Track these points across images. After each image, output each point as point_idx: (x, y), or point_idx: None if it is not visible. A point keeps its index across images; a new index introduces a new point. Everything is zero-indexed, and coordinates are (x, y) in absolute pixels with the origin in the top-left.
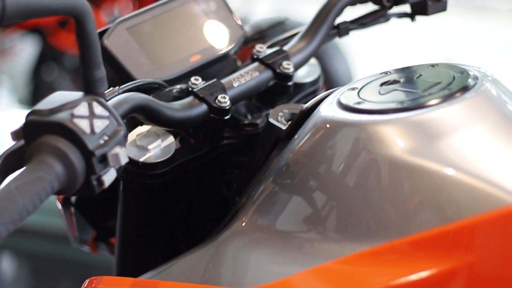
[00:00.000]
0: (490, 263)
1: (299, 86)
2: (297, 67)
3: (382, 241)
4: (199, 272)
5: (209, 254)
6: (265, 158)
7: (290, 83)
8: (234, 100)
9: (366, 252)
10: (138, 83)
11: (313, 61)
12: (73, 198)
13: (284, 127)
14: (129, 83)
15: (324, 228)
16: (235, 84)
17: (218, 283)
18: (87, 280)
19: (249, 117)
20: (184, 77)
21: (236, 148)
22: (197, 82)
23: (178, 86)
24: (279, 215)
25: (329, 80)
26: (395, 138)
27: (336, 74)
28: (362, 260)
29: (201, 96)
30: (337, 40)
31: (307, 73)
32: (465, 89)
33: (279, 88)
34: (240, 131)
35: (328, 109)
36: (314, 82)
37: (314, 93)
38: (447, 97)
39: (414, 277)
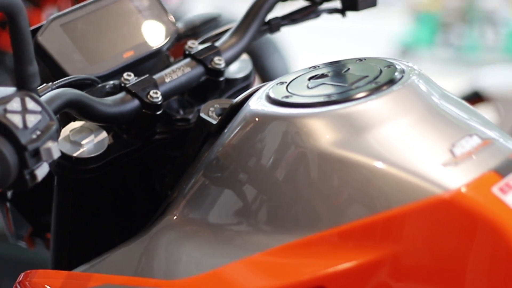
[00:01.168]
0: (416, 252)
1: (231, 82)
2: (229, 62)
3: (311, 232)
4: (132, 265)
5: (141, 247)
6: (196, 152)
7: (221, 79)
8: (166, 96)
9: (296, 243)
10: (71, 79)
11: (244, 57)
12: (9, 194)
13: (214, 122)
14: (62, 79)
15: (254, 220)
16: (167, 80)
17: (151, 275)
18: (22, 274)
19: (181, 112)
20: (117, 73)
21: (168, 143)
22: (130, 78)
23: (111, 82)
24: (210, 208)
25: (267, 78)
26: (323, 131)
27: (274, 71)
28: (291, 251)
29: (133, 91)
30: (275, 38)
31: (239, 69)
32: (391, 82)
33: (211, 84)
34: (172, 126)
35: (257, 103)
36: (246, 77)
37: (246, 89)
38: (374, 90)
39: (341, 267)
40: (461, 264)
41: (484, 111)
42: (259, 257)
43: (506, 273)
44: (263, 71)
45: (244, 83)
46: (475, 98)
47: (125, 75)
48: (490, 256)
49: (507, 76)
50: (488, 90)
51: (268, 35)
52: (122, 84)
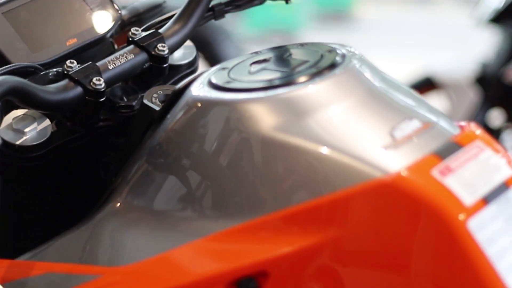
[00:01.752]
0: (359, 235)
1: (175, 68)
2: (173, 49)
3: (255, 216)
4: (76, 253)
5: (85, 234)
6: (140, 139)
7: (165, 65)
8: (109, 83)
9: (239, 228)
10: (13, 67)
11: (189, 43)
12: None
13: (157, 108)
14: (4, 67)
15: (198, 206)
16: (110, 67)
17: (95, 262)
18: None
19: (125, 99)
20: (60, 61)
21: (113, 130)
22: (72, 65)
23: (54, 70)
24: (154, 195)
25: None
26: (264, 116)
27: (225, 59)
28: (235, 236)
29: (76, 78)
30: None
31: (183, 56)
32: (332, 66)
33: (155, 70)
34: (116, 113)
35: (199, 89)
36: (191, 64)
37: (190, 75)
38: (315, 75)
39: (283, 251)
40: (405, 247)
41: (436, 97)
42: (203, 242)
43: (447, 254)
44: (214, 58)
45: (188, 70)
46: (427, 84)
47: (68, 62)
48: (431, 238)
49: (459, 63)
50: (440, 77)
51: (219, 22)
52: (65, 72)
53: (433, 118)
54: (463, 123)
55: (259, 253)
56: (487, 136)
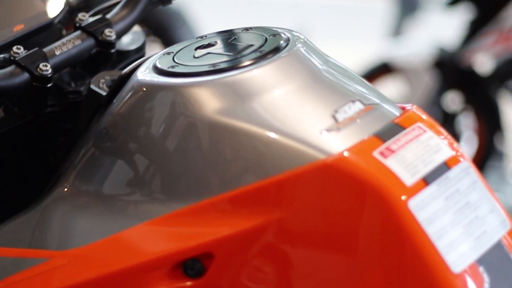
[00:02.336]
0: (304, 216)
1: (123, 54)
2: (120, 35)
3: (201, 199)
4: (24, 237)
5: (33, 219)
6: (87, 124)
7: (112, 51)
8: (56, 68)
9: (186, 210)
10: None
11: (137, 29)
12: None
13: (104, 93)
14: None
15: (146, 189)
16: (57, 53)
17: (44, 247)
18: None
19: (73, 85)
20: (7, 47)
21: (61, 116)
22: (19, 51)
23: (1, 56)
24: (101, 179)
25: None
26: (209, 100)
27: None
28: (182, 218)
29: (22, 64)
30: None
31: (131, 41)
32: (276, 50)
33: (102, 56)
34: (64, 99)
35: (144, 74)
36: (139, 49)
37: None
38: (259, 59)
39: (228, 233)
40: (349, 227)
41: (393, 82)
42: (150, 225)
43: (389, 233)
44: (172, 43)
45: (137, 55)
46: (384, 69)
47: (14, 48)
48: (373, 218)
49: (416, 47)
50: (397, 61)
51: (177, 8)
52: (12, 58)
53: (375, 100)
54: (405, 105)
55: (204, 235)
56: (429, 118)
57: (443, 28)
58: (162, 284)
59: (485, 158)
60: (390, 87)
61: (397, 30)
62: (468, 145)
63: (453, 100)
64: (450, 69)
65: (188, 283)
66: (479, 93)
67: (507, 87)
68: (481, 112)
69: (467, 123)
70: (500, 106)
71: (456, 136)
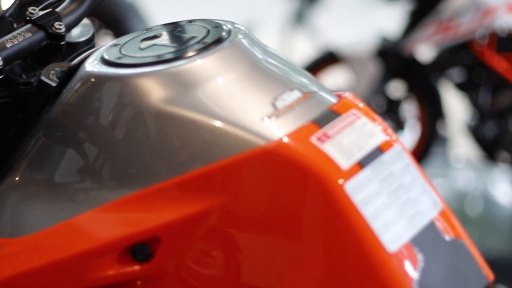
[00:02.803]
0: (247, 201)
1: (73, 46)
2: (69, 27)
3: (149, 184)
4: None
5: None
6: (38, 114)
7: (62, 43)
8: (7, 60)
9: (134, 196)
10: None
11: (86, 21)
12: None
13: (54, 84)
14: None
15: (96, 176)
16: (8, 45)
17: None
18: None
19: (24, 76)
20: None
21: (12, 107)
22: None
23: None
24: (52, 167)
25: None
26: (155, 89)
27: None
28: (130, 204)
29: None
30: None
31: (80, 33)
32: (218, 41)
33: (52, 48)
34: (15, 90)
35: (93, 65)
36: (88, 41)
37: None
38: (202, 50)
39: (175, 217)
40: (288, 211)
41: (339, 71)
42: (100, 211)
43: (327, 215)
44: (123, 34)
45: (86, 47)
46: (330, 59)
47: None
48: (311, 201)
49: (360, 37)
50: (342, 51)
51: (128, 0)
52: None
53: (312, 88)
54: (341, 93)
55: (152, 220)
56: (364, 105)
57: (386, 19)
58: (112, 268)
59: (428, 144)
60: (336, 77)
61: (299, 19)
62: (412, 132)
63: (396, 88)
64: (393, 59)
65: (137, 267)
66: (421, 81)
67: (447, 75)
68: (424, 100)
69: (410, 110)
70: (441, 94)
71: (400, 123)
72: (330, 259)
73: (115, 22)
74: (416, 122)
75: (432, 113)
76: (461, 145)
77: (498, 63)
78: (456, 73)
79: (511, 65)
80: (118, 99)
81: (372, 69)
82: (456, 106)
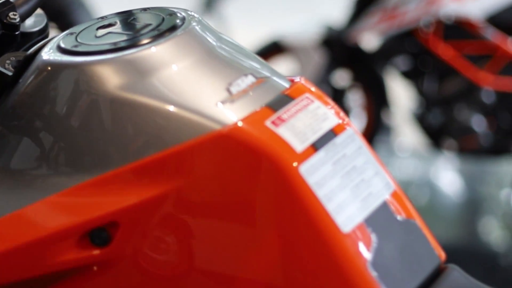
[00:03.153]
0: (203, 185)
1: (27, 35)
2: (24, 17)
3: (106, 170)
4: None
5: None
6: None
7: (17, 33)
8: None
9: (91, 182)
10: None
11: (39, 11)
12: None
13: (10, 73)
14: None
15: (52, 163)
16: None
17: None
18: None
19: None
20: None
21: None
22: None
23: None
24: (8, 155)
25: None
26: (111, 77)
27: None
28: (87, 190)
29: None
30: None
31: (34, 23)
32: (173, 29)
33: (7, 38)
34: None
35: (49, 53)
36: (42, 31)
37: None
38: (157, 37)
39: (131, 202)
40: (245, 194)
41: (284, 61)
42: (56, 198)
43: (283, 197)
44: (69, 27)
45: (40, 37)
46: (275, 48)
47: None
48: (267, 184)
49: (305, 27)
50: (287, 41)
51: None
52: None
53: (266, 74)
54: (293, 77)
55: (109, 205)
56: (316, 89)
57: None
58: (71, 254)
59: (373, 132)
60: (281, 66)
61: (209, 7)
62: (357, 121)
63: (342, 77)
64: (338, 48)
65: (95, 252)
66: (366, 70)
67: (393, 64)
68: (369, 89)
69: (355, 99)
70: (386, 82)
71: (345, 112)
72: (285, 241)
73: (60, 14)
74: (362, 111)
75: (377, 102)
76: (406, 133)
77: (444, 50)
78: (402, 61)
79: (457, 53)
80: (74, 86)
81: (317, 59)
82: (402, 95)
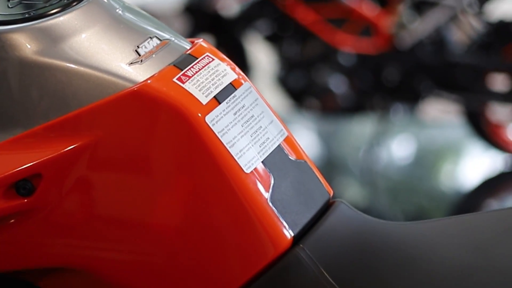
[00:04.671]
0: (114, 140)
1: None
2: None
3: (24, 129)
4: None
5: None
6: None
7: None
8: None
9: (12, 140)
10: None
11: None
12: None
13: None
14: None
15: None
16: None
17: None
18: None
19: None
20: None
21: None
22: None
23: None
24: None
25: None
26: (24, 44)
27: None
28: (11, 146)
29: None
30: None
31: None
32: None
33: None
34: None
35: None
36: None
37: None
38: (65, 6)
39: (51, 155)
40: (153, 150)
41: None
42: None
43: (191, 146)
44: None
45: None
46: None
47: None
48: (177, 136)
49: None
50: (149, 9)
51: None
52: None
53: (169, 36)
54: (194, 39)
55: (32, 158)
56: (215, 49)
57: None
58: None
59: None
60: None
61: None
62: None
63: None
64: (199, 14)
65: (21, 201)
66: (227, 36)
67: (255, 28)
68: (231, 53)
69: None
70: (246, 47)
71: None
72: (194, 184)
73: None
74: None
75: (239, 66)
76: (268, 96)
77: (302, 15)
78: (263, 26)
79: (316, 16)
80: None
81: (180, 25)
82: (264, 59)
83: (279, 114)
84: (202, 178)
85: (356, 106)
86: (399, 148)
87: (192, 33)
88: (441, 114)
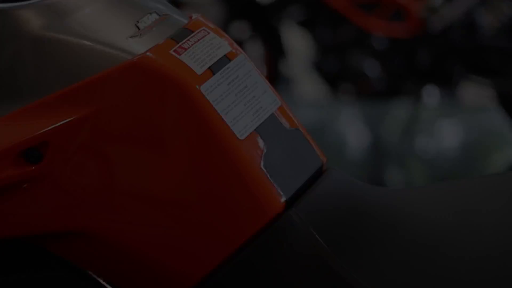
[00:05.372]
0: (117, 111)
1: None
2: None
3: (32, 100)
4: None
5: None
6: None
7: None
8: None
9: (22, 110)
10: None
11: None
12: None
13: None
14: None
15: None
16: None
17: None
18: None
19: None
20: None
21: None
22: None
23: None
24: None
25: None
26: (33, 20)
27: None
28: (20, 117)
29: None
30: None
31: None
32: None
33: None
34: None
35: None
36: None
37: None
38: None
39: (58, 124)
40: (151, 118)
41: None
42: None
43: (187, 114)
44: None
45: None
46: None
47: None
48: (175, 104)
49: None
50: None
51: None
52: None
53: (168, 11)
54: (192, 14)
55: (39, 127)
56: (211, 23)
57: None
58: (8, 171)
59: (272, 83)
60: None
61: None
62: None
63: (240, 29)
64: (234, 1)
65: (29, 168)
66: (262, 22)
67: (289, 14)
68: (266, 40)
69: (254, 50)
70: (282, 33)
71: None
72: (192, 153)
73: None
74: (261, 62)
75: (274, 52)
76: (304, 82)
77: (334, 0)
78: (296, 11)
79: (348, 2)
80: (1, 30)
81: (214, 11)
82: (299, 44)
83: (315, 100)
84: (198, 145)
85: (390, 91)
86: (436, 133)
87: (226, 20)
88: (477, 98)
